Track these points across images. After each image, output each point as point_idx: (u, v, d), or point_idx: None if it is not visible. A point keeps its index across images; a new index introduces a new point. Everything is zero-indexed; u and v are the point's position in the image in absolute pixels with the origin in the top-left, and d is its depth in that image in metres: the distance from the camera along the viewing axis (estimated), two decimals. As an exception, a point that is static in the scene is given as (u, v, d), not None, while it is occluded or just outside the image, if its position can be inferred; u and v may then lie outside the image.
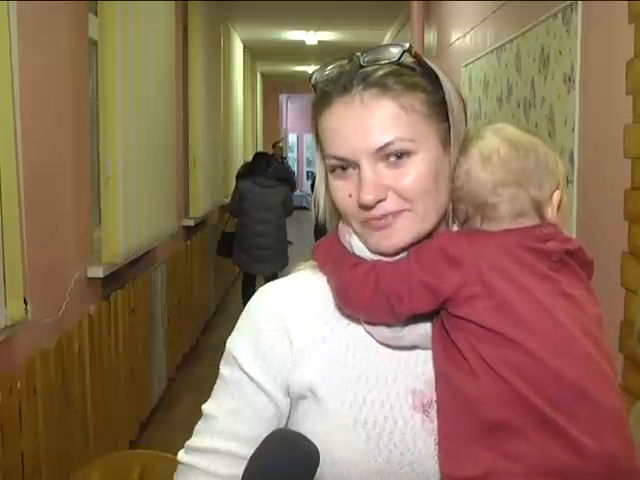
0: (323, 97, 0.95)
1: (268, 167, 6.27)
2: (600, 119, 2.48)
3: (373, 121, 0.91)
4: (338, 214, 1.00)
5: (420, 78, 0.94)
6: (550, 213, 0.93)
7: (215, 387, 1.02)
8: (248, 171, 6.36)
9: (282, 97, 18.81)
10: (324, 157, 0.97)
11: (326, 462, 0.92)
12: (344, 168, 0.94)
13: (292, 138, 20.24)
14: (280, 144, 13.65)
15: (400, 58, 0.94)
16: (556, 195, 0.93)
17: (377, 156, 0.92)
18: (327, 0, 7.36)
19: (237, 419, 0.98)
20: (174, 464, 1.02)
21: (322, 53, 11.31)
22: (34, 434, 2.45)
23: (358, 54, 0.95)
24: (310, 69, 15.30)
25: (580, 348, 0.86)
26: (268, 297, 1.03)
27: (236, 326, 1.03)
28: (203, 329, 6.34)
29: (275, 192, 6.20)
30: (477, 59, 4.43)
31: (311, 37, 9.91)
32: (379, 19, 8.77)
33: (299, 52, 11.59)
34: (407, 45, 0.94)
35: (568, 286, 0.89)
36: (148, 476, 1.66)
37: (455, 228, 0.96)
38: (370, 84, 0.92)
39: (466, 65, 4.74)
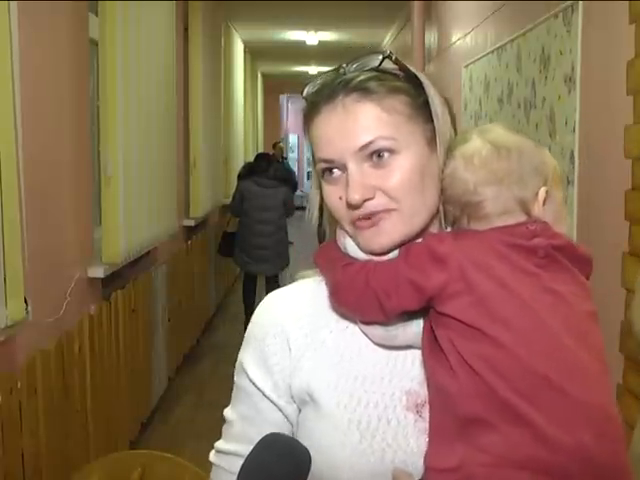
0: (311, 108, 1.00)
1: (269, 167, 6.28)
2: (601, 119, 2.47)
3: (355, 122, 0.95)
4: (335, 220, 1.03)
5: (402, 82, 0.98)
6: (536, 210, 0.94)
7: (233, 393, 1.07)
8: (249, 171, 6.37)
9: (282, 97, 18.81)
10: (315, 164, 1.01)
11: (323, 462, 0.94)
12: (332, 171, 0.98)
13: (292, 138, 20.23)
14: (280, 144, 13.66)
15: (381, 64, 0.98)
16: (541, 192, 0.95)
17: (361, 156, 0.95)
18: (327, 0, 7.36)
19: (250, 424, 1.03)
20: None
21: (322, 53, 11.31)
22: (34, 434, 2.45)
23: (344, 65, 0.99)
24: (311, 69, 15.26)
25: (557, 343, 0.87)
26: (269, 306, 1.06)
27: (244, 336, 1.07)
28: (203, 329, 6.35)
29: (276, 192, 6.21)
30: (478, 59, 4.43)
31: (311, 37, 9.91)
32: (379, 19, 8.77)
33: (299, 52, 11.59)
34: (388, 52, 0.99)
35: (553, 282, 0.90)
36: (148, 476, 1.66)
37: (449, 230, 0.99)
38: (351, 89, 0.96)
39: (467, 65, 4.74)
